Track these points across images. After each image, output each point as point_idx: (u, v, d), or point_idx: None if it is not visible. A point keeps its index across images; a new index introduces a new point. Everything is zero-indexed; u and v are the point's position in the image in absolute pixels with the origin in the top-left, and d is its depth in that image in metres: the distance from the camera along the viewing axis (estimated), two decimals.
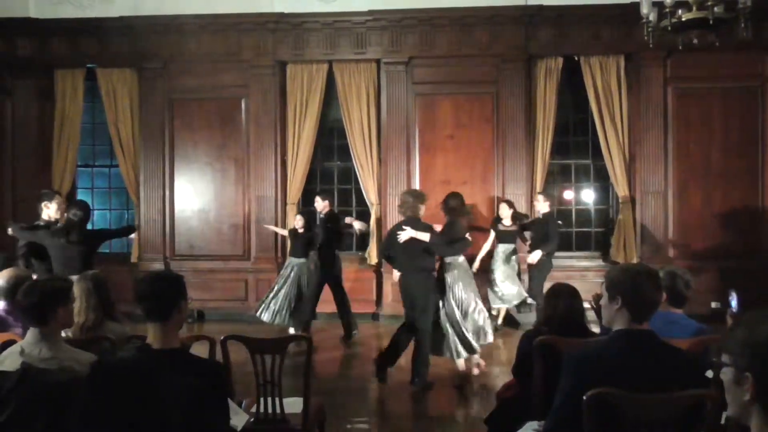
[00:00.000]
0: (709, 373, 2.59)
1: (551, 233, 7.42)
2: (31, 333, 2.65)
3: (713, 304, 7.71)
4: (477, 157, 8.54)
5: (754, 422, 1.31)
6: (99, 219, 9.67)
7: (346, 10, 8.44)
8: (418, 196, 5.62)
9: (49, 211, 5.96)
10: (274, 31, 8.59)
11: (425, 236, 5.31)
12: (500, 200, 8.11)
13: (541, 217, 7.64)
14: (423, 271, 5.48)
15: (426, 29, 8.47)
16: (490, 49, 8.44)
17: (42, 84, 8.90)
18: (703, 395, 2.19)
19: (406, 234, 5.33)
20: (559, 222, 8.00)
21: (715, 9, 5.12)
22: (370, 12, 8.38)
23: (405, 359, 6.04)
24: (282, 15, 8.49)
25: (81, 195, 9.59)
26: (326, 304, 8.62)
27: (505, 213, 7.81)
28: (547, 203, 7.63)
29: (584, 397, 2.14)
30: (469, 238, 5.68)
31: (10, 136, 8.93)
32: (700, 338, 3.08)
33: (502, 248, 7.81)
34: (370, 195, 8.68)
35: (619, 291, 2.30)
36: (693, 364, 2.32)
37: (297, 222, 7.79)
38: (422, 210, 5.56)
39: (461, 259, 5.84)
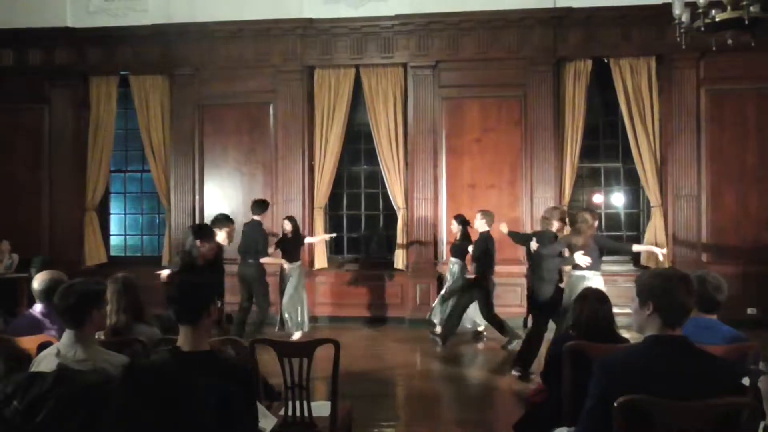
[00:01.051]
0: (746, 381, 2.53)
1: (481, 254, 6.93)
2: (67, 335, 2.71)
3: (749, 310, 7.53)
4: (504, 160, 8.48)
5: None
6: (131, 223, 9.89)
7: (374, 14, 8.48)
8: (551, 213, 6.35)
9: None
10: (302, 36, 8.67)
11: (534, 246, 6.09)
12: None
13: (478, 237, 7.10)
14: (539, 276, 6.13)
15: (453, 33, 8.46)
16: (519, 52, 8.38)
17: (77, 91, 9.13)
18: (740, 403, 2.14)
19: (532, 246, 6.13)
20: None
21: (751, 8, 5.00)
22: (398, 16, 8.40)
23: (432, 361, 6.01)
24: (310, 21, 8.57)
25: (114, 200, 9.82)
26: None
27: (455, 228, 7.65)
28: (484, 221, 7.00)
29: (615, 404, 2.11)
30: (579, 256, 5.77)
31: (47, 141, 9.18)
32: (735, 345, 3.01)
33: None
34: (397, 199, 8.69)
35: (650, 296, 2.25)
36: (728, 371, 2.26)
37: (285, 226, 7.65)
38: (554, 224, 6.23)
39: (585, 273, 5.78)
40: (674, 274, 2.31)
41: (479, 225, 7.11)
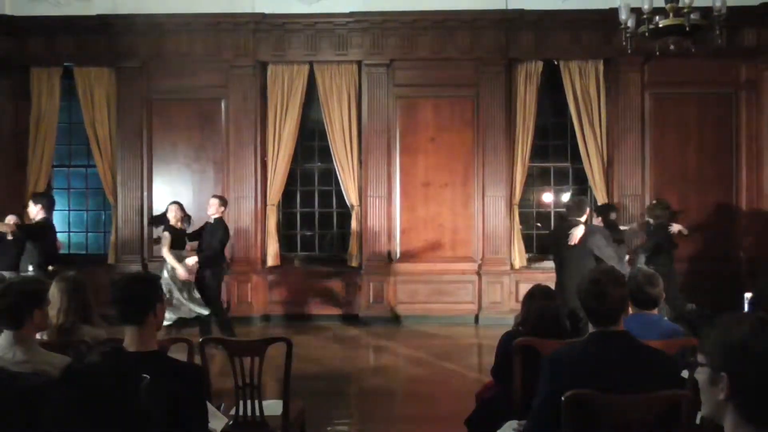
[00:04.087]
0: (685, 374, 2.63)
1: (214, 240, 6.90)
2: (5, 336, 2.60)
3: (689, 306, 7.83)
4: (457, 159, 8.58)
5: (728, 421, 1.33)
6: (75, 220, 9.54)
7: (328, 11, 8.42)
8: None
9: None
10: (254, 31, 8.54)
11: None
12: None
13: (212, 222, 7.02)
14: None
15: (407, 32, 8.49)
16: (471, 53, 8.48)
17: (17, 83, 8.74)
18: (679, 395, 2.22)
19: None
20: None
21: (691, 16, 5.23)
22: (352, 14, 8.37)
23: (385, 359, 6.03)
24: (263, 16, 8.45)
25: (57, 195, 9.42)
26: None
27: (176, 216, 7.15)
28: (222, 208, 7.01)
29: (562, 398, 2.16)
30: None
31: None
32: (675, 339, 3.13)
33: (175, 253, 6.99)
34: (351, 197, 8.67)
35: (582, 301, 2.40)
36: (669, 365, 2.36)
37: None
38: None
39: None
40: (592, 276, 2.39)
41: (212, 211, 7.02)
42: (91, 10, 8.46)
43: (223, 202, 7.19)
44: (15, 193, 8.74)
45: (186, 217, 7.34)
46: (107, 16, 8.43)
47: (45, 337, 3.16)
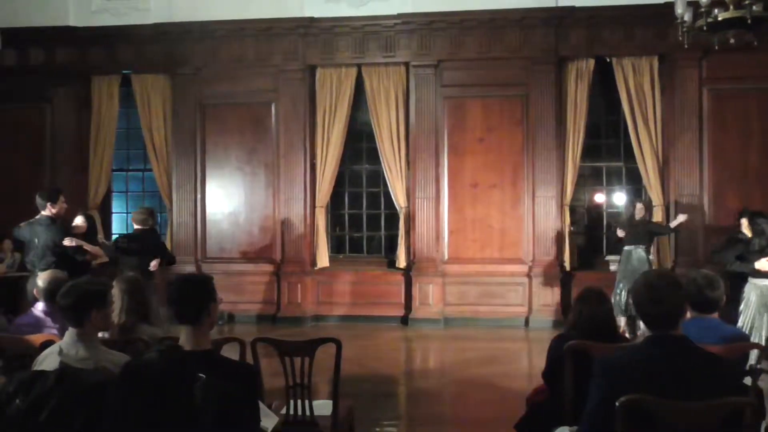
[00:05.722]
0: (748, 380, 2.53)
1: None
2: (69, 334, 2.72)
3: None
4: (506, 160, 8.48)
5: None
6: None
7: (376, 13, 8.47)
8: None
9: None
10: (304, 35, 8.68)
11: None
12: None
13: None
14: None
15: (455, 32, 8.45)
16: (520, 52, 8.37)
17: (80, 91, 9.14)
18: (742, 403, 2.13)
19: None
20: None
21: (753, 8, 5.00)
22: (399, 15, 8.40)
23: (434, 361, 6.00)
24: (312, 20, 8.57)
25: (116, 198, 9.83)
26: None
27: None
28: (141, 218, 6.53)
29: (617, 404, 2.11)
30: None
31: (49, 141, 9.19)
32: (736, 344, 3.00)
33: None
34: (399, 198, 8.69)
35: (637, 306, 2.34)
36: (729, 371, 2.27)
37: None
38: None
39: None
40: (646, 280, 2.32)
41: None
42: (148, 19, 8.78)
43: (141, 213, 6.66)
44: (77, 196, 9.10)
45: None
46: (163, 24, 8.73)
47: (107, 336, 3.29)
